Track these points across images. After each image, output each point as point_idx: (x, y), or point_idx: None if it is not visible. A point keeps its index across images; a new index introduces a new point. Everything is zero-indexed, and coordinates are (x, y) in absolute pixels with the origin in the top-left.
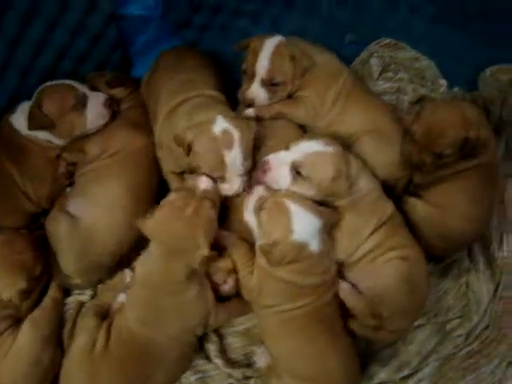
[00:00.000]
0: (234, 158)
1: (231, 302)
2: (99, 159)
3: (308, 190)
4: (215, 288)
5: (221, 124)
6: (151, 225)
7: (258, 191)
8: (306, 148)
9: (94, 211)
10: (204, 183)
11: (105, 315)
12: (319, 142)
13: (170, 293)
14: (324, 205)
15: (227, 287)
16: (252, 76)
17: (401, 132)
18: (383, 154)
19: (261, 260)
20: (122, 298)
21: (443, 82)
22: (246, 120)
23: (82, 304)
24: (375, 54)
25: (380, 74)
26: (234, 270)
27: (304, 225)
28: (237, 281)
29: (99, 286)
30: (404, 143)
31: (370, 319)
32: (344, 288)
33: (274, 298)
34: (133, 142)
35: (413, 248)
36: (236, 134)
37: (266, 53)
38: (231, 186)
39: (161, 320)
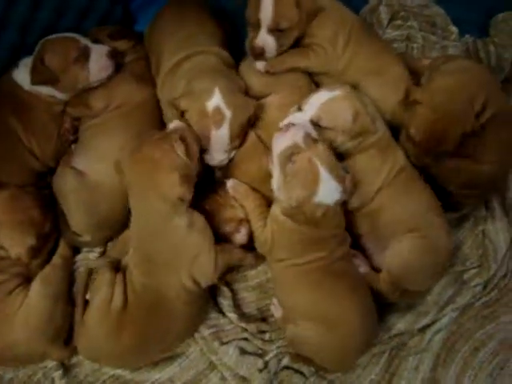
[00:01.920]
0: (220, 136)
1: (234, 247)
2: (104, 112)
3: (336, 139)
4: (227, 238)
5: (215, 100)
6: (123, 163)
7: (294, 136)
8: (317, 101)
9: (100, 166)
10: (173, 123)
11: (118, 270)
12: (327, 90)
13: (159, 232)
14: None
15: (239, 236)
16: (257, 25)
17: (408, 78)
18: (388, 95)
19: (276, 211)
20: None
21: (454, 29)
22: (244, 99)
23: (90, 269)
24: (384, 2)
25: (389, 22)
26: (245, 220)
27: (328, 192)
28: (250, 230)
29: (109, 244)
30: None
31: (394, 292)
32: (363, 270)
33: (287, 251)
34: (137, 94)
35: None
36: (228, 114)
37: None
38: (212, 158)
39: (158, 267)
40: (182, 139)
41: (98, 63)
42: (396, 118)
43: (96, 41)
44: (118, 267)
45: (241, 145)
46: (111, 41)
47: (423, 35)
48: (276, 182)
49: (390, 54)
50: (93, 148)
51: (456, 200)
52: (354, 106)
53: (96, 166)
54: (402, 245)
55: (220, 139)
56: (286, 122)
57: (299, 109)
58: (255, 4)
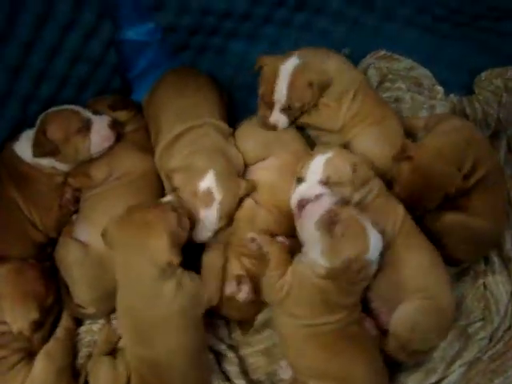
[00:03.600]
0: (209, 217)
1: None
2: (104, 183)
3: (346, 193)
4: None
5: (208, 182)
6: (111, 230)
7: (324, 202)
8: (318, 164)
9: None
10: (167, 197)
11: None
12: (320, 154)
13: (148, 297)
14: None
15: (242, 294)
16: (270, 104)
17: (403, 134)
18: (385, 147)
19: (304, 271)
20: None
21: (440, 88)
22: (236, 181)
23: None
24: (372, 66)
25: (379, 85)
26: (244, 276)
27: (376, 244)
28: (252, 284)
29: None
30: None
31: (402, 352)
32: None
33: (304, 309)
34: (139, 164)
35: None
36: (218, 197)
37: (284, 82)
38: (199, 235)
39: (151, 335)
40: (174, 210)
41: (100, 134)
42: (389, 171)
43: (96, 112)
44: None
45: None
46: (112, 111)
47: (411, 95)
48: (317, 248)
49: (389, 107)
50: (94, 218)
51: (454, 256)
52: (350, 159)
53: (97, 237)
54: (408, 308)
55: (208, 220)
56: (296, 197)
57: (299, 180)
58: (270, 85)
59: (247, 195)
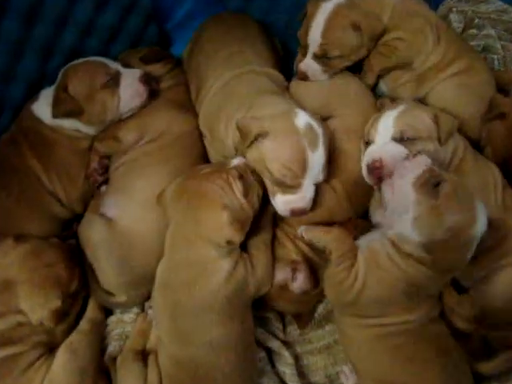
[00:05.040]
0: (318, 161)
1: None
2: (137, 147)
3: (433, 149)
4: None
5: (304, 117)
6: (167, 195)
7: (422, 160)
8: (387, 121)
9: (133, 211)
10: (237, 159)
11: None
12: (389, 110)
13: (195, 279)
14: None
15: (297, 285)
16: (305, 47)
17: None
18: (472, 101)
19: (381, 248)
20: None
21: None
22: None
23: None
24: (454, 9)
25: (462, 32)
26: (301, 262)
27: (483, 215)
28: (310, 271)
29: (146, 304)
30: None
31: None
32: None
33: (381, 305)
34: (175, 125)
35: None
36: (320, 132)
37: (320, 21)
38: (304, 195)
39: (195, 325)
40: (240, 178)
41: (130, 89)
42: (474, 131)
43: (127, 65)
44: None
45: None
46: (144, 65)
47: (503, 44)
48: (409, 217)
49: (477, 55)
50: (125, 190)
51: None
52: (427, 110)
53: (129, 212)
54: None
55: (316, 164)
56: (368, 160)
57: (367, 144)
58: (307, 23)
59: None
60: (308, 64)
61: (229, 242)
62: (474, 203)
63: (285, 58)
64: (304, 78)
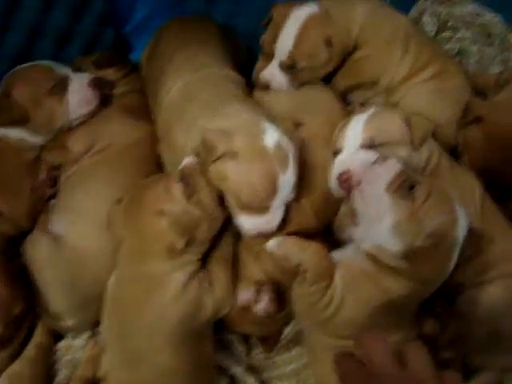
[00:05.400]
0: (288, 181)
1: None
2: (86, 157)
3: (406, 155)
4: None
5: (273, 135)
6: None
7: (393, 163)
8: (356, 126)
9: (82, 227)
10: (186, 160)
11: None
12: (358, 114)
13: (143, 298)
14: None
15: (261, 306)
16: (270, 54)
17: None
18: (444, 107)
19: (358, 263)
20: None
21: None
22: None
23: None
24: (427, 12)
25: (436, 35)
26: (267, 283)
27: (463, 218)
28: (275, 293)
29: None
30: None
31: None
32: None
33: (358, 327)
34: (128, 133)
35: None
36: (290, 150)
37: (291, 30)
38: (273, 218)
39: (144, 348)
40: (185, 178)
41: (78, 95)
42: (450, 137)
43: (79, 70)
44: None
45: None
46: (97, 69)
47: (479, 48)
48: (386, 224)
49: (450, 59)
50: (73, 204)
51: None
52: (399, 112)
53: (76, 228)
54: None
55: (287, 185)
56: (335, 172)
57: (335, 153)
58: (274, 29)
59: None
60: (273, 73)
61: (171, 250)
62: (453, 205)
63: (250, 63)
64: (266, 87)
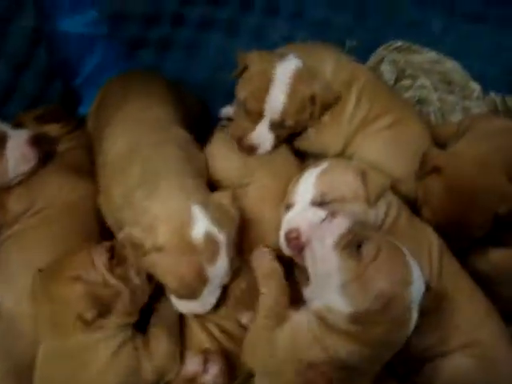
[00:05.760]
0: (219, 271)
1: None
2: (25, 218)
3: (361, 211)
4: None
5: (201, 224)
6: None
7: (342, 220)
8: (307, 182)
9: (17, 293)
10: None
11: None
12: (311, 169)
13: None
14: None
15: (209, 377)
16: (257, 116)
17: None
18: (400, 160)
19: (308, 322)
20: None
21: (475, 85)
22: (221, 196)
23: None
24: (386, 60)
25: (395, 83)
26: (216, 353)
27: (419, 279)
28: (225, 364)
29: None
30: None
31: None
32: None
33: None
34: (69, 193)
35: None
36: (222, 239)
37: (281, 89)
38: (206, 302)
39: None
40: (113, 250)
41: (16, 153)
42: (409, 190)
43: (20, 126)
44: None
45: None
46: (38, 125)
47: (439, 95)
48: (334, 284)
49: (408, 107)
50: (8, 268)
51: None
52: (354, 167)
53: (13, 295)
54: (452, 364)
55: (218, 274)
56: (284, 229)
57: (287, 208)
58: (261, 91)
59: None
60: (262, 134)
61: (82, 321)
62: (406, 263)
63: (204, 116)
64: (252, 150)
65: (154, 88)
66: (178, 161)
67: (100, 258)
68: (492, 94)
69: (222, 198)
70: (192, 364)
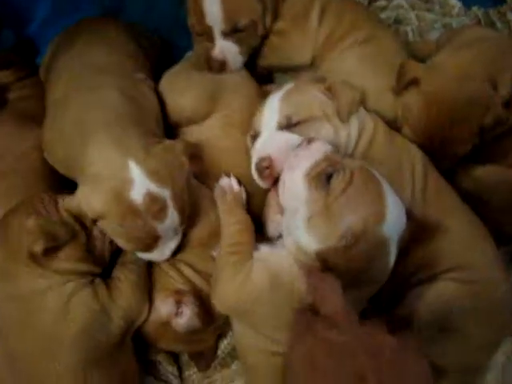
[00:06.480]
0: (170, 224)
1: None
2: None
3: (332, 131)
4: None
5: (140, 184)
6: None
7: (318, 146)
8: (272, 105)
9: None
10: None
11: None
12: (273, 92)
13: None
14: None
15: (183, 320)
16: (206, 32)
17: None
18: (376, 77)
19: (277, 258)
20: None
21: (455, 1)
22: (166, 147)
23: None
24: None
25: (369, 3)
26: (188, 294)
27: (397, 214)
28: (199, 306)
29: None
30: None
31: None
32: None
33: (277, 325)
34: (18, 143)
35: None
36: (166, 194)
37: None
38: (165, 250)
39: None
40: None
41: None
42: (387, 108)
43: None
44: None
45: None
46: None
47: (417, 14)
48: (302, 219)
49: (381, 24)
50: None
51: (501, 228)
52: (319, 81)
53: None
54: (439, 288)
55: (169, 227)
56: (254, 159)
57: (254, 137)
58: (197, 7)
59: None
60: (223, 47)
61: (32, 257)
62: (380, 194)
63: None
64: (223, 68)
65: (105, 32)
66: (116, 108)
67: (63, 201)
68: (474, 9)
69: (170, 146)
70: (164, 306)
